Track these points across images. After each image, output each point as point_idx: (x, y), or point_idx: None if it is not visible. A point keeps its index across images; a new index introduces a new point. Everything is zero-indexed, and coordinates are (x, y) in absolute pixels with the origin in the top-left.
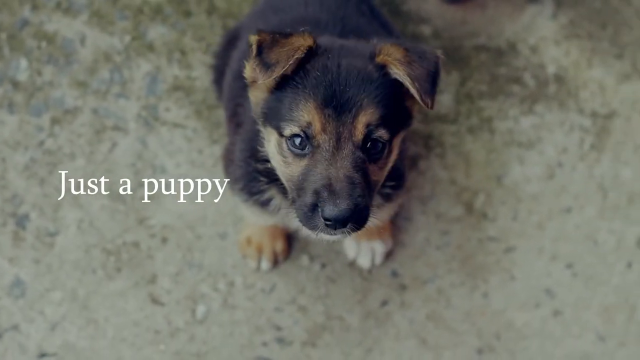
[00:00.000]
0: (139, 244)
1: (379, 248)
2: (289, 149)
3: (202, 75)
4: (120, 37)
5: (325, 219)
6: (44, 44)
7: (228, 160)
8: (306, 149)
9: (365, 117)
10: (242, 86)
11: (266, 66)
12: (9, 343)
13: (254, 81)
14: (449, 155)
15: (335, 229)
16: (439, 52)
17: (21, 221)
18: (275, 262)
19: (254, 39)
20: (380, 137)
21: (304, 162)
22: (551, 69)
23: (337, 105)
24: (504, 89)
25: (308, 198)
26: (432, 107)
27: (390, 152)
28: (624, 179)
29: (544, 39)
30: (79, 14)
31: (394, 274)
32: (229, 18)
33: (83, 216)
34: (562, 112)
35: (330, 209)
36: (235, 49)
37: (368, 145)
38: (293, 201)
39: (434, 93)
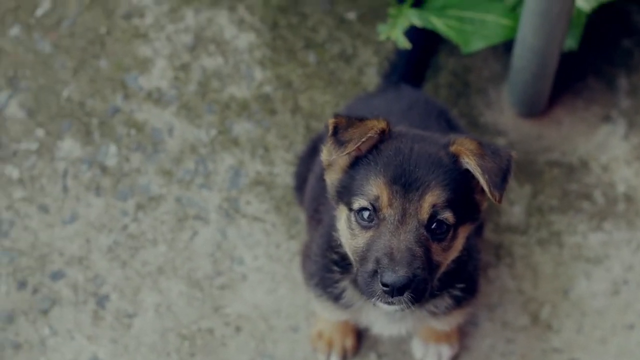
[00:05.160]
0: (214, 331)
1: (446, 351)
2: (357, 221)
3: (283, 172)
4: (207, 130)
5: (383, 285)
6: (133, 131)
7: (305, 256)
8: (373, 222)
9: (432, 198)
10: (323, 187)
11: (340, 143)
12: None
13: (330, 164)
14: (517, 266)
15: (392, 296)
16: (513, 152)
17: (101, 301)
18: (344, 358)
19: (331, 121)
20: (445, 219)
21: (369, 234)
22: (621, 188)
23: (405, 183)
24: (574, 204)
25: (369, 265)
26: (499, 201)
27: (455, 236)
28: None
29: (615, 159)
30: (169, 105)
31: None
32: (312, 119)
33: (161, 300)
34: (630, 230)
35: (388, 275)
36: (318, 155)
37: (433, 226)
38: (356, 272)
39: (503, 188)
